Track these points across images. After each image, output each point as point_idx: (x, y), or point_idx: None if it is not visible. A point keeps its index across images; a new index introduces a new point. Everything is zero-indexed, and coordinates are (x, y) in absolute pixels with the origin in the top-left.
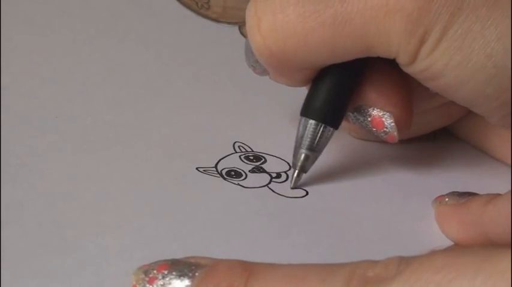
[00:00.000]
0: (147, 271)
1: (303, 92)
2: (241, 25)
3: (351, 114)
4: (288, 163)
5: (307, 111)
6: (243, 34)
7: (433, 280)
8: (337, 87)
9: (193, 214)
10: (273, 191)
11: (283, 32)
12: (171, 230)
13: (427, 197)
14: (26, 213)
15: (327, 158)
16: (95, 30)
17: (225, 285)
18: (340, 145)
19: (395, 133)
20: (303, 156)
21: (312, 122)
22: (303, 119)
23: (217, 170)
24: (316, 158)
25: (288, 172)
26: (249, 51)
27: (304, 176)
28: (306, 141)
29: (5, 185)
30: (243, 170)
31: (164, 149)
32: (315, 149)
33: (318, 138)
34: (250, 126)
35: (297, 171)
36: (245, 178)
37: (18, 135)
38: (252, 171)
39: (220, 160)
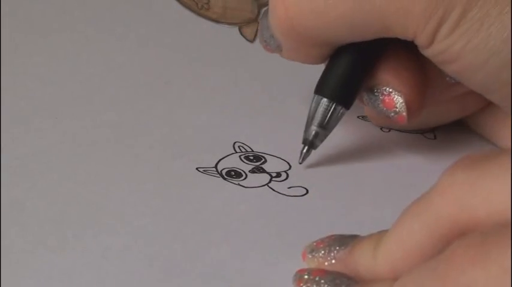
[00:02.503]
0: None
1: (303, 92)
2: (241, 26)
3: (364, 94)
4: (288, 163)
5: (320, 89)
6: (243, 35)
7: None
8: (351, 68)
9: (194, 214)
10: (273, 189)
11: (307, 5)
12: (171, 230)
13: None
14: (26, 213)
15: (327, 155)
16: (95, 30)
17: None
18: (341, 143)
19: (404, 113)
20: (313, 132)
21: (324, 100)
22: (316, 96)
23: (217, 170)
24: (326, 136)
25: (288, 171)
26: (264, 26)
27: (304, 173)
28: (317, 119)
29: (5, 185)
30: (243, 170)
31: (164, 149)
32: (325, 127)
33: (328, 116)
34: (250, 126)
35: (306, 147)
36: (245, 178)
37: (18, 135)
38: (252, 171)
39: (220, 160)
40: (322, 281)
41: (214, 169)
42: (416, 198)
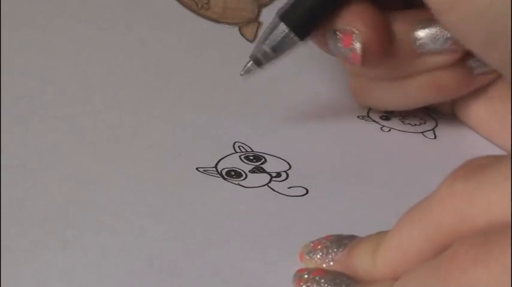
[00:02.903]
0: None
1: (304, 92)
2: (241, 26)
3: (327, 33)
4: (288, 163)
5: (284, 15)
6: (243, 35)
7: None
8: (320, 5)
9: (193, 214)
10: (273, 189)
11: None
12: (171, 230)
13: None
14: (26, 213)
15: (328, 155)
16: (95, 30)
17: None
18: (341, 143)
19: (360, 52)
20: (263, 52)
21: (284, 26)
22: (278, 21)
23: (217, 170)
24: (273, 58)
25: (288, 171)
26: None
27: (304, 173)
28: (272, 42)
29: (5, 185)
30: (243, 170)
31: (164, 149)
32: (276, 51)
33: (283, 43)
34: (250, 126)
35: (251, 62)
36: (245, 178)
37: (18, 135)
38: (252, 171)
39: (220, 160)
40: (322, 280)
41: (214, 169)
42: (415, 203)
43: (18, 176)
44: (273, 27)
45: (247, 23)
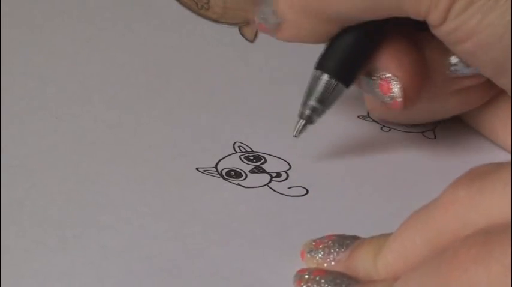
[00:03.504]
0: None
1: (304, 92)
2: (241, 26)
3: (363, 78)
4: (288, 163)
5: (322, 64)
6: (244, 35)
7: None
8: (355, 48)
9: (193, 214)
10: (273, 189)
11: None
12: (171, 230)
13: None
14: (26, 213)
15: (328, 155)
16: (95, 30)
17: None
18: (341, 143)
19: (400, 99)
20: (312, 107)
21: (325, 75)
22: (317, 71)
23: (217, 170)
24: (323, 112)
25: (288, 171)
26: (264, 2)
27: (304, 173)
28: (317, 94)
29: (5, 185)
30: (243, 170)
31: (164, 149)
32: (323, 103)
33: (328, 92)
34: (250, 126)
35: (303, 121)
36: (245, 178)
37: (18, 135)
38: (252, 171)
39: (220, 160)
40: (323, 280)
41: (214, 169)
42: (418, 209)
43: (18, 176)
44: (315, 80)
45: (247, 23)
